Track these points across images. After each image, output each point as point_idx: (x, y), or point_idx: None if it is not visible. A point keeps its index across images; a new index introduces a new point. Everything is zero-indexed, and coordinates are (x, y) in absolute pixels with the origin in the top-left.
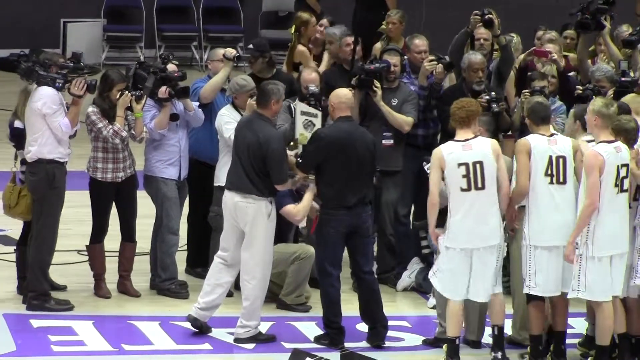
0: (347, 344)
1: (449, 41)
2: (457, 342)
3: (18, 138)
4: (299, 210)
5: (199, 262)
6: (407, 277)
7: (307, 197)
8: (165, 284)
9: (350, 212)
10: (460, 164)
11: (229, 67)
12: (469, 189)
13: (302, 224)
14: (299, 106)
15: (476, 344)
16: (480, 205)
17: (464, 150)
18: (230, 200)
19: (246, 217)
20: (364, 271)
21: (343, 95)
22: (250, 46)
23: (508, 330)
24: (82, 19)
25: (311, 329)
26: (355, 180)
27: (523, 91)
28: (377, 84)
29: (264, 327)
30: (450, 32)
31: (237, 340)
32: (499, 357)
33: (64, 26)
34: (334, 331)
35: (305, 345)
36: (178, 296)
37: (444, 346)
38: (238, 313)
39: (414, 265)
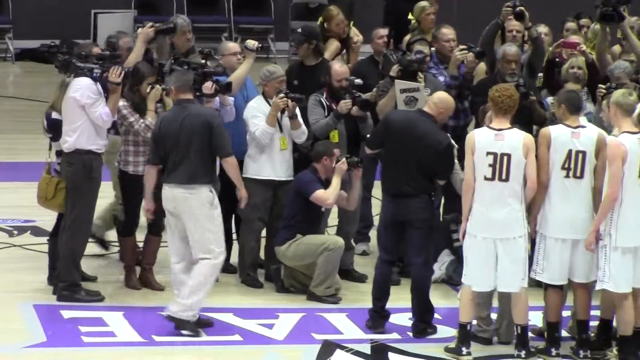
0: (377, 336)
1: (481, 34)
2: (468, 327)
3: (55, 129)
4: (329, 195)
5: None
6: (438, 269)
7: (336, 180)
8: None
9: (396, 200)
10: (488, 153)
11: (251, 58)
12: (492, 178)
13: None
14: (397, 84)
15: (488, 341)
16: (501, 197)
17: (496, 140)
18: (170, 193)
19: (191, 205)
20: (410, 262)
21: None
22: (299, 30)
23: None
24: (113, 9)
25: (341, 321)
26: (407, 170)
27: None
28: (421, 74)
29: (294, 318)
30: (483, 25)
31: (168, 317)
32: (523, 355)
33: (94, 17)
34: (373, 314)
35: (335, 336)
36: None
37: (455, 331)
38: (266, 304)
39: (445, 258)
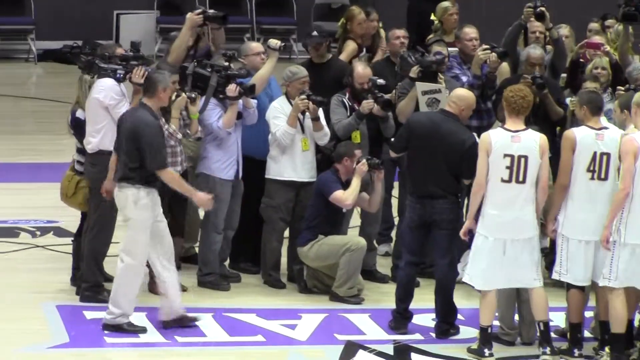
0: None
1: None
2: (489, 330)
3: (78, 128)
4: (348, 196)
5: (242, 257)
6: (461, 270)
7: (355, 181)
8: (207, 278)
9: (421, 202)
10: (506, 155)
11: (275, 57)
12: (509, 180)
13: None
14: (419, 87)
15: (510, 343)
16: (517, 198)
17: (513, 141)
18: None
19: (119, 203)
20: (435, 263)
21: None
22: (314, 33)
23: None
24: (136, 10)
25: (364, 321)
26: (433, 171)
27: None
28: (441, 75)
29: (317, 319)
30: (506, 25)
31: (104, 325)
32: (548, 352)
33: (117, 18)
34: (396, 315)
35: (358, 337)
36: (219, 288)
37: (477, 333)
38: (289, 305)
39: (467, 258)
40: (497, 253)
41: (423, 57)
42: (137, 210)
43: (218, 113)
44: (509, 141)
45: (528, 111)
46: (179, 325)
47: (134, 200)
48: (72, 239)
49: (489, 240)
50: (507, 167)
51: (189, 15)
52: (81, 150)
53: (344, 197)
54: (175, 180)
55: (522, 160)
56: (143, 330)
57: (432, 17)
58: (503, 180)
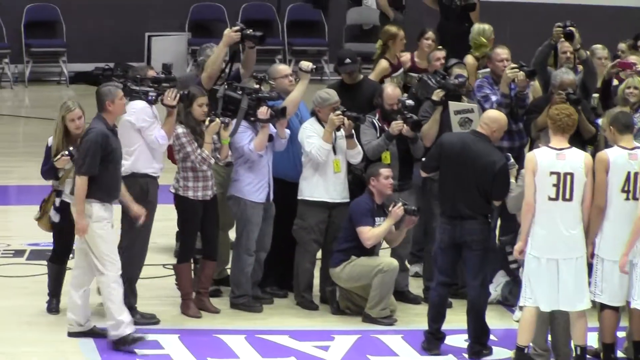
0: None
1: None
2: (526, 350)
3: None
4: (371, 236)
5: (269, 280)
6: (493, 290)
7: (386, 225)
8: (239, 300)
9: (452, 222)
10: (552, 173)
11: (306, 80)
12: (556, 198)
13: None
14: (452, 106)
15: None
16: (565, 216)
17: (558, 159)
18: None
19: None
20: (467, 284)
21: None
22: (348, 61)
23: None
24: (167, 32)
25: (397, 342)
26: (464, 192)
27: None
28: (465, 98)
29: (350, 340)
30: (536, 44)
31: (113, 343)
32: None
33: (148, 40)
34: (429, 336)
35: (391, 358)
36: (251, 310)
37: (512, 352)
38: (322, 326)
39: (500, 279)
40: (552, 273)
41: (446, 80)
42: (93, 223)
43: (249, 136)
44: (554, 159)
45: (573, 130)
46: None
47: (89, 214)
48: (47, 262)
49: (541, 261)
50: (554, 185)
51: (226, 31)
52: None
53: (368, 235)
54: (80, 192)
55: (569, 177)
56: (142, 338)
57: (480, 37)
58: (550, 198)
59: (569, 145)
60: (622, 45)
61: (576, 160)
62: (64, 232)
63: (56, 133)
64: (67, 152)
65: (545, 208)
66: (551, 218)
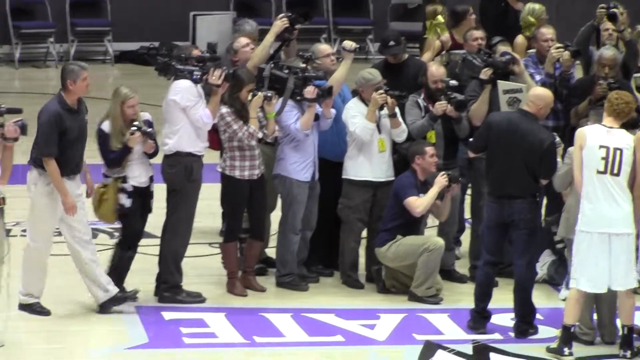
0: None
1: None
2: (572, 329)
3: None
4: (420, 204)
5: (314, 259)
6: (539, 269)
7: (432, 192)
8: (285, 279)
9: (500, 201)
10: (601, 146)
11: (349, 59)
12: (605, 172)
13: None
14: (501, 85)
15: (590, 342)
16: (613, 190)
17: (608, 134)
18: None
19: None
20: (514, 263)
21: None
22: (392, 43)
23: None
24: (212, 11)
25: (443, 321)
26: (511, 171)
27: None
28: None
29: (396, 319)
30: (580, 24)
31: (19, 305)
32: (628, 355)
33: (193, 19)
34: (475, 314)
35: (436, 337)
36: (297, 289)
37: (557, 331)
38: (368, 305)
39: (546, 258)
40: (604, 250)
41: (496, 59)
42: (36, 193)
43: (295, 115)
44: (604, 133)
45: (626, 117)
46: (117, 303)
47: (34, 182)
48: (114, 247)
49: (593, 236)
50: (603, 158)
51: (275, 22)
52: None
53: (416, 204)
54: (54, 174)
55: (618, 152)
56: (48, 313)
57: (531, 18)
58: (599, 172)
59: (618, 126)
60: None
61: (626, 138)
62: (136, 216)
63: (114, 119)
64: (136, 128)
65: (593, 182)
66: (599, 192)
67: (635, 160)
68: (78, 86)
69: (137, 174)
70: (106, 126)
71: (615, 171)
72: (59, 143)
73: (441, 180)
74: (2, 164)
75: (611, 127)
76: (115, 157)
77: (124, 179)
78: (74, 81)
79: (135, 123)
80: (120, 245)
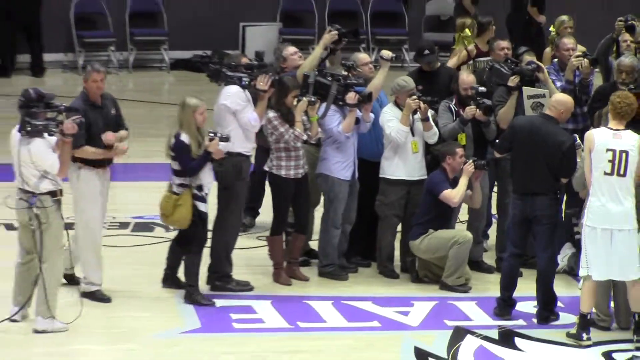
0: (505, 322)
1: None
2: (588, 317)
3: (178, 151)
4: (456, 194)
5: (354, 252)
6: (560, 261)
7: (463, 181)
8: (327, 269)
9: (523, 198)
10: (608, 149)
11: (386, 67)
12: (612, 173)
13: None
14: (525, 91)
15: (606, 328)
16: (618, 190)
17: (614, 138)
18: None
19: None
20: (537, 255)
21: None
22: (427, 52)
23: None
24: (260, 22)
25: (471, 308)
26: (534, 170)
27: None
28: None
29: (428, 306)
30: (600, 35)
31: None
32: None
33: (243, 29)
34: (501, 302)
35: (465, 323)
36: (338, 278)
37: (576, 318)
38: (402, 293)
39: (567, 250)
40: (605, 244)
41: (523, 67)
42: (78, 185)
43: (338, 119)
44: (611, 137)
45: (630, 117)
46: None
47: (74, 176)
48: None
49: (597, 230)
50: (610, 161)
51: (325, 34)
52: (179, 172)
53: (452, 195)
54: (88, 151)
55: (624, 154)
56: (109, 300)
57: (551, 28)
58: (606, 173)
59: (624, 128)
60: None
61: (631, 140)
62: (206, 221)
63: (189, 129)
64: (214, 135)
65: (600, 182)
66: (605, 191)
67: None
68: (89, 85)
69: (208, 180)
70: (185, 137)
71: (622, 172)
72: (88, 137)
73: (468, 168)
74: (60, 157)
75: (617, 130)
76: (197, 165)
77: (200, 187)
78: (86, 80)
79: (210, 130)
80: (192, 250)
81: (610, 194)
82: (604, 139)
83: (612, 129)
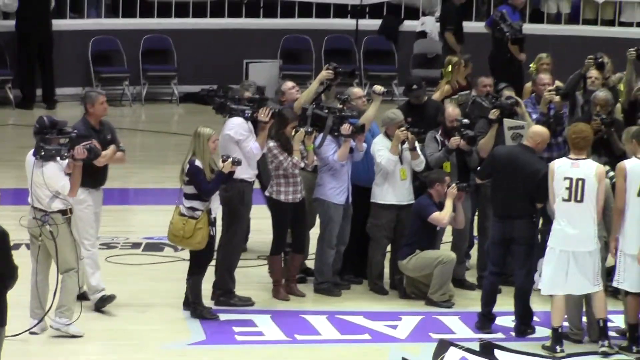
0: (485, 335)
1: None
2: (559, 330)
3: (193, 175)
4: (444, 215)
5: (347, 270)
6: (537, 278)
7: (448, 203)
8: (322, 286)
9: (503, 221)
10: (566, 177)
11: (378, 101)
12: (569, 199)
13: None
14: (506, 123)
15: (579, 341)
16: (577, 215)
17: (572, 167)
18: None
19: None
20: (514, 273)
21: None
22: (415, 87)
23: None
24: (262, 59)
25: (455, 322)
26: (513, 195)
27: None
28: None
29: (415, 320)
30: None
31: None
32: (606, 344)
33: (246, 66)
34: (482, 317)
35: (449, 335)
36: (332, 294)
37: (550, 332)
38: (391, 308)
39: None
40: (562, 263)
41: (503, 101)
42: (78, 206)
43: (333, 148)
44: (569, 166)
45: (587, 147)
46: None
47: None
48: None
49: (555, 251)
50: (567, 188)
51: (323, 72)
52: (192, 196)
53: (441, 217)
54: (102, 160)
55: (580, 182)
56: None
57: (531, 65)
58: (564, 199)
59: (584, 157)
60: None
61: (588, 169)
62: (214, 243)
63: (203, 155)
64: (227, 157)
65: (560, 207)
66: (565, 216)
67: (599, 188)
68: (96, 108)
69: (216, 205)
70: (199, 163)
71: (579, 198)
72: None
73: (452, 191)
74: (71, 179)
75: (576, 159)
76: (213, 186)
77: (209, 212)
78: (92, 104)
79: (222, 154)
80: (196, 273)
81: (568, 218)
82: (562, 169)
83: (571, 158)
